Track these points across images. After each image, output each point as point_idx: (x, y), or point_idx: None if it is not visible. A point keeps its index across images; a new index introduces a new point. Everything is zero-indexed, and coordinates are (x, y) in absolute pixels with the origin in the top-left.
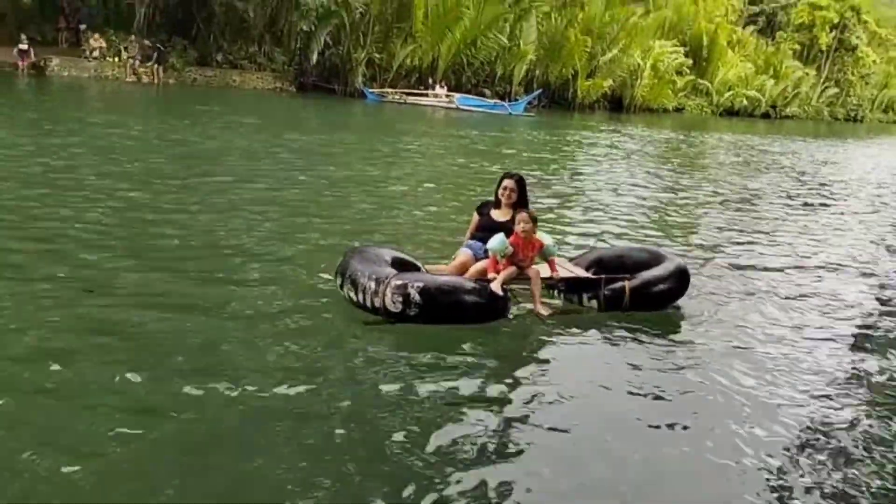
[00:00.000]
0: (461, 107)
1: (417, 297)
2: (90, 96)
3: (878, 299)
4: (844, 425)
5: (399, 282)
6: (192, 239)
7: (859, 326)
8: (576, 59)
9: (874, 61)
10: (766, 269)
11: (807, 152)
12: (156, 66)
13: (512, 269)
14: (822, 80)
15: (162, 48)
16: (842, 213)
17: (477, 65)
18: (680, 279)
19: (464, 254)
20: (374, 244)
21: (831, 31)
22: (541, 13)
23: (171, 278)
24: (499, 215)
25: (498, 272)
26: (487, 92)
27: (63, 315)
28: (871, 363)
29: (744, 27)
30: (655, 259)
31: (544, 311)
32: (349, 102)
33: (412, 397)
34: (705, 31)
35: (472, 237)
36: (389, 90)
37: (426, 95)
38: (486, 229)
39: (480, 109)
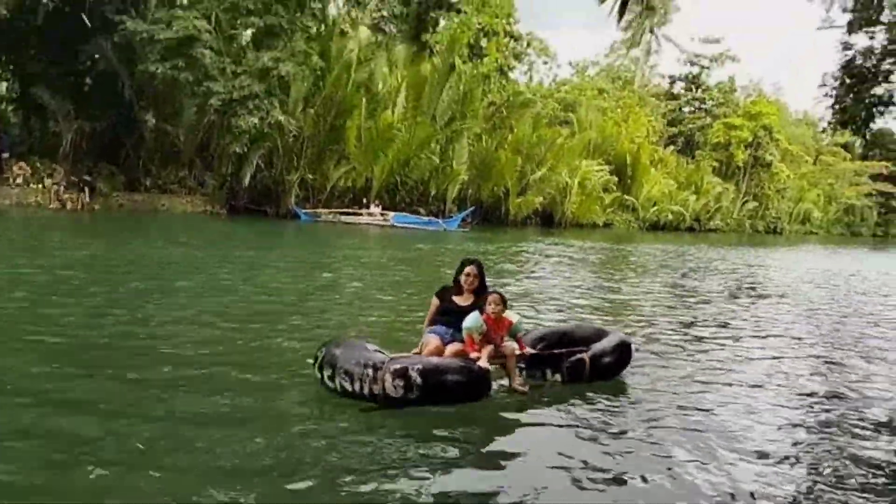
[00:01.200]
0: (396, 224)
1: (419, 380)
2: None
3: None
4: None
5: (398, 366)
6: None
7: (789, 395)
8: (506, 177)
9: (788, 176)
10: (696, 345)
11: (733, 258)
12: (81, 193)
13: (490, 346)
14: (741, 195)
15: (88, 179)
16: (762, 303)
17: (411, 184)
18: (625, 350)
19: (433, 339)
20: (349, 337)
21: (746, 148)
22: (472, 135)
23: (129, 387)
24: (461, 301)
25: (475, 351)
26: (422, 210)
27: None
28: (803, 430)
29: (664, 147)
30: (597, 335)
31: (523, 387)
32: (283, 223)
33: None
34: (628, 151)
35: (434, 322)
36: (323, 210)
37: (361, 214)
38: (450, 314)
39: (416, 226)
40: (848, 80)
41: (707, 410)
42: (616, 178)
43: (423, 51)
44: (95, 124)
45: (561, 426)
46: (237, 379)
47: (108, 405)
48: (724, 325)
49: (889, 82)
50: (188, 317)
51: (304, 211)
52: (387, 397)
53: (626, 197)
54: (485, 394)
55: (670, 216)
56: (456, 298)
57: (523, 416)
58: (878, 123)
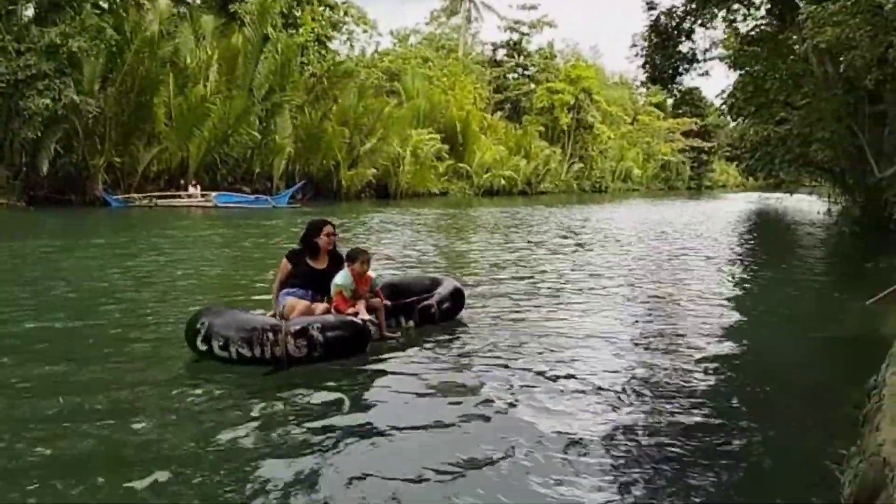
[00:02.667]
0: (220, 205)
1: (320, 338)
2: None
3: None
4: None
5: (298, 326)
6: None
7: (619, 332)
8: (335, 150)
9: (609, 137)
10: (527, 287)
11: (562, 215)
12: None
13: (362, 301)
14: (567, 157)
15: None
16: (591, 250)
17: (232, 162)
18: (460, 295)
19: (300, 300)
20: (222, 307)
21: (569, 112)
22: (293, 107)
23: None
24: (316, 263)
25: (347, 307)
26: (246, 188)
27: None
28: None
29: (492, 113)
30: (434, 283)
31: (393, 334)
32: (92, 211)
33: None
34: (458, 119)
35: (287, 285)
36: (136, 195)
37: (179, 196)
38: (305, 276)
39: (241, 205)
40: (655, 39)
41: (523, 345)
42: (448, 147)
43: (233, 21)
44: None
45: (422, 362)
46: (105, 370)
47: None
48: (550, 270)
49: (692, 40)
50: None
51: (114, 197)
52: (290, 358)
53: (460, 164)
54: (367, 344)
55: (503, 181)
56: (310, 261)
57: (399, 357)
58: (686, 81)
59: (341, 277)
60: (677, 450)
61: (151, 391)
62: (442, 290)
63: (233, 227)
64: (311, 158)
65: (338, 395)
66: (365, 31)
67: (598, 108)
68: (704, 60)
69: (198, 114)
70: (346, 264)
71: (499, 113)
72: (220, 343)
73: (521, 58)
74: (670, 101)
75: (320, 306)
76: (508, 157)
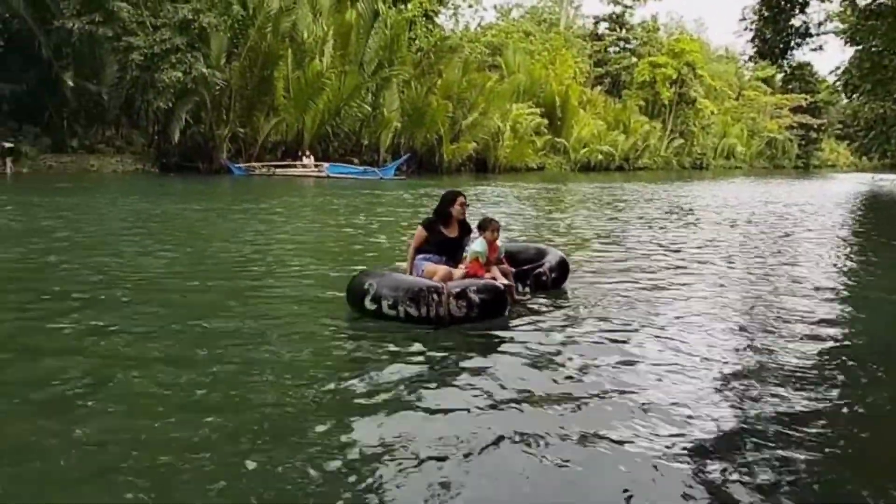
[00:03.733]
0: (331, 175)
1: (477, 299)
2: None
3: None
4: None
5: (458, 289)
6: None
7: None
8: (439, 124)
9: (712, 112)
10: (630, 261)
11: (663, 191)
12: (8, 157)
13: (496, 268)
14: (667, 133)
15: (10, 145)
16: (696, 227)
17: (343, 134)
18: (566, 265)
19: (439, 266)
20: (382, 269)
21: (671, 86)
22: (401, 81)
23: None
24: (449, 232)
25: (483, 273)
26: (355, 160)
27: None
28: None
29: (592, 88)
30: (540, 253)
31: (523, 297)
32: (218, 178)
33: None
34: (557, 93)
35: (422, 251)
36: (256, 164)
37: (295, 166)
38: (440, 244)
39: (351, 176)
40: (766, 13)
41: (632, 320)
42: (546, 121)
43: None
44: (14, 86)
45: (546, 328)
46: (278, 325)
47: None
48: (652, 245)
49: (805, 13)
50: (189, 270)
51: (236, 165)
52: (451, 318)
53: (557, 139)
54: (507, 308)
55: (600, 156)
56: (444, 230)
57: (529, 321)
58: (797, 56)
59: (478, 245)
60: (792, 448)
61: (321, 346)
62: (551, 259)
63: (346, 196)
64: (415, 132)
65: (492, 354)
66: (470, 6)
67: (702, 83)
68: (818, 34)
69: (314, 88)
70: (478, 232)
71: (598, 87)
72: (390, 303)
73: (623, 31)
74: (779, 77)
75: (457, 272)
76: (606, 132)
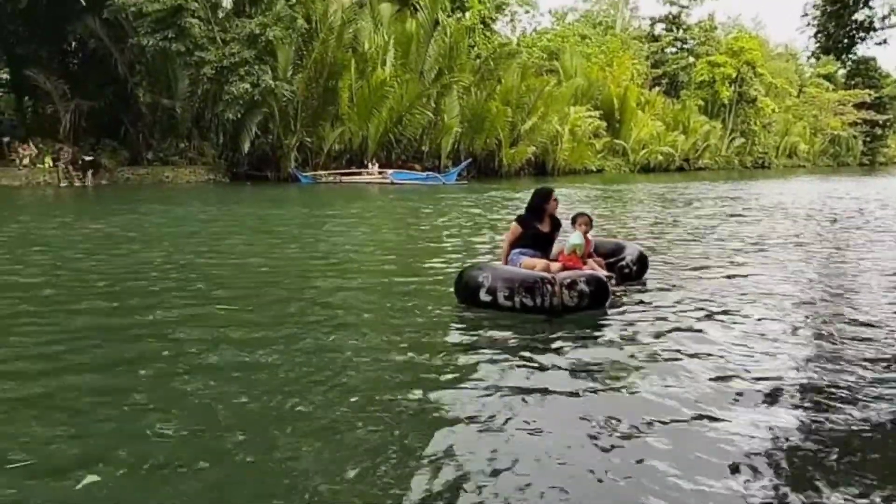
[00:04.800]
0: (396, 181)
1: (586, 289)
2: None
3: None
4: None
5: (569, 280)
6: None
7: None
8: (498, 129)
9: (773, 110)
10: (701, 258)
11: (725, 190)
12: (88, 170)
13: (592, 261)
14: (728, 132)
15: (91, 157)
16: (764, 226)
17: (405, 141)
18: (646, 259)
19: (538, 259)
20: (487, 264)
21: (730, 85)
22: (461, 88)
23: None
24: (542, 227)
25: (581, 265)
26: (417, 166)
27: None
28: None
29: (650, 89)
30: (619, 247)
31: (620, 288)
32: (287, 187)
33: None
34: (615, 95)
35: (518, 246)
36: (322, 172)
37: (360, 174)
38: (536, 238)
39: (415, 182)
40: (830, 7)
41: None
42: (605, 123)
43: (406, 7)
44: (92, 102)
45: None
46: (385, 317)
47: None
48: (721, 242)
49: (870, 7)
50: (308, 267)
51: (303, 174)
52: (564, 307)
53: (616, 141)
54: (609, 298)
55: (660, 157)
56: (538, 225)
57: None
58: (860, 51)
59: (576, 238)
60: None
61: (438, 333)
62: (631, 253)
63: (414, 201)
64: (475, 137)
65: (604, 341)
66: (527, 12)
67: (762, 81)
68: (882, 28)
69: (377, 96)
70: (574, 226)
71: (656, 88)
72: (505, 294)
73: (680, 31)
74: (841, 72)
75: (554, 265)
76: (666, 133)
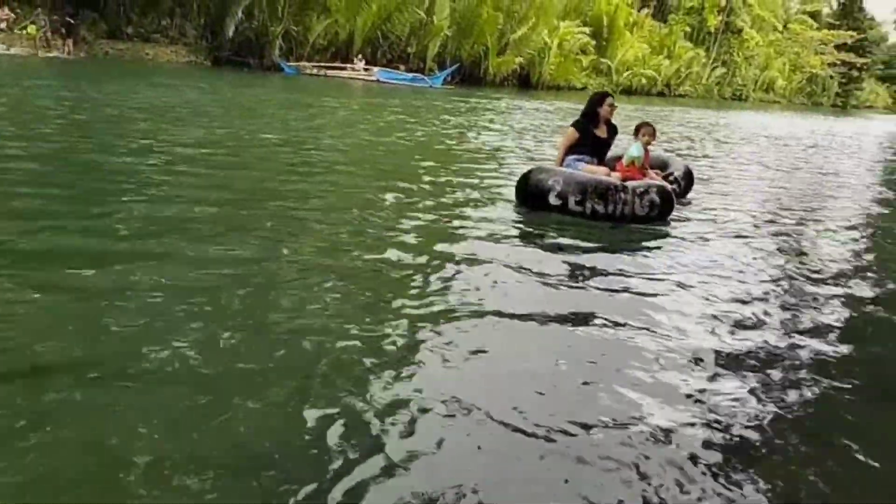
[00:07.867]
0: (381, 80)
1: (657, 200)
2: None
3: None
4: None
5: (641, 189)
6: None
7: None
8: (487, 36)
9: (757, 43)
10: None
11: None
12: (67, 39)
13: (652, 173)
14: (710, 61)
15: (72, 21)
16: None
17: (392, 39)
18: (692, 174)
19: (597, 166)
20: (554, 167)
21: (719, 13)
22: None
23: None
24: (599, 133)
25: (638, 177)
26: (402, 67)
27: None
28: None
29: (639, 10)
30: (665, 163)
31: None
32: (270, 76)
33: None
34: (605, 13)
35: (574, 152)
36: (307, 63)
37: (345, 69)
38: (593, 144)
39: (400, 82)
40: None
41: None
42: (593, 41)
43: None
44: None
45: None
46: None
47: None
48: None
49: None
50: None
51: (288, 64)
52: (634, 216)
53: (602, 59)
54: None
55: (643, 81)
56: (595, 130)
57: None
58: None
59: (635, 149)
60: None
61: (493, 241)
62: (679, 168)
63: (405, 102)
64: (463, 42)
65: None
66: None
67: (749, 12)
68: None
69: None
70: (637, 137)
71: (645, 10)
72: (577, 199)
73: None
74: (826, 11)
75: (614, 174)
76: (651, 57)
